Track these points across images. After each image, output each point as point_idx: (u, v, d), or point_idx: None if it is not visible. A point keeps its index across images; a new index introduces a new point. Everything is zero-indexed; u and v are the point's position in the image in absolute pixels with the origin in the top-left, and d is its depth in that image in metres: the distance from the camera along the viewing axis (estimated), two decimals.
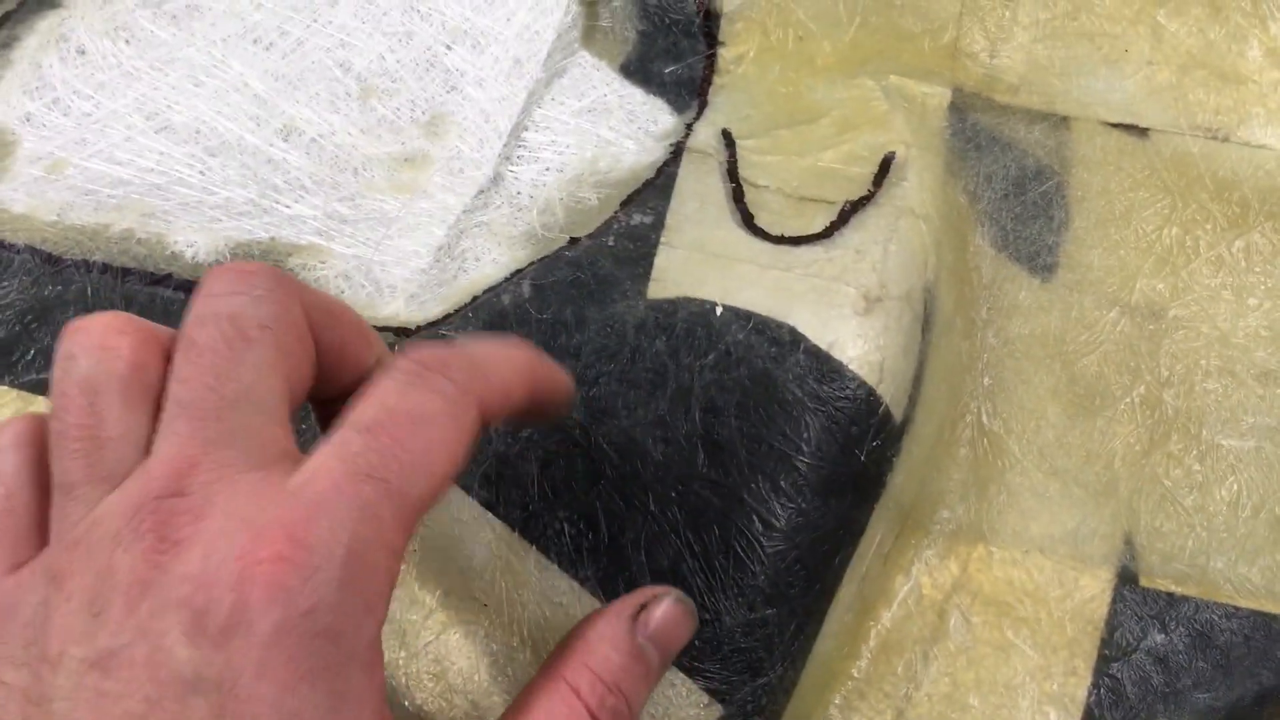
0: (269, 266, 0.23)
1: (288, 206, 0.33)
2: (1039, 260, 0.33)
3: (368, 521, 0.20)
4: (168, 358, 0.22)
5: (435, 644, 0.27)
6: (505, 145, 0.35)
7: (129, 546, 0.20)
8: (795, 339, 0.28)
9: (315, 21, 0.37)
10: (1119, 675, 0.29)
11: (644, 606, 0.25)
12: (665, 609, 0.25)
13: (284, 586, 0.19)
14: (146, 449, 0.21)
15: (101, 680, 0.20)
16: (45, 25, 0.37)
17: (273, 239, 0.32)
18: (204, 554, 0.20)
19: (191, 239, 0.32)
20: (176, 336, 0.22)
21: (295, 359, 0.22)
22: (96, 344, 0.22)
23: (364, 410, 0.21)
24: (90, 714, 0.20)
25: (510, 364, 0.24)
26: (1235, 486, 0.30)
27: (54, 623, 0.21)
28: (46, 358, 0.30)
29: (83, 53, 0.36)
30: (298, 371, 0.22)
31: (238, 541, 0.20)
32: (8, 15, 0.37)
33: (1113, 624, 0.29)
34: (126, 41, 0.37)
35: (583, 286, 0.30)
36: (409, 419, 0.21)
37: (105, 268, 0.31)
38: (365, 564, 0.20)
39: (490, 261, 0.32)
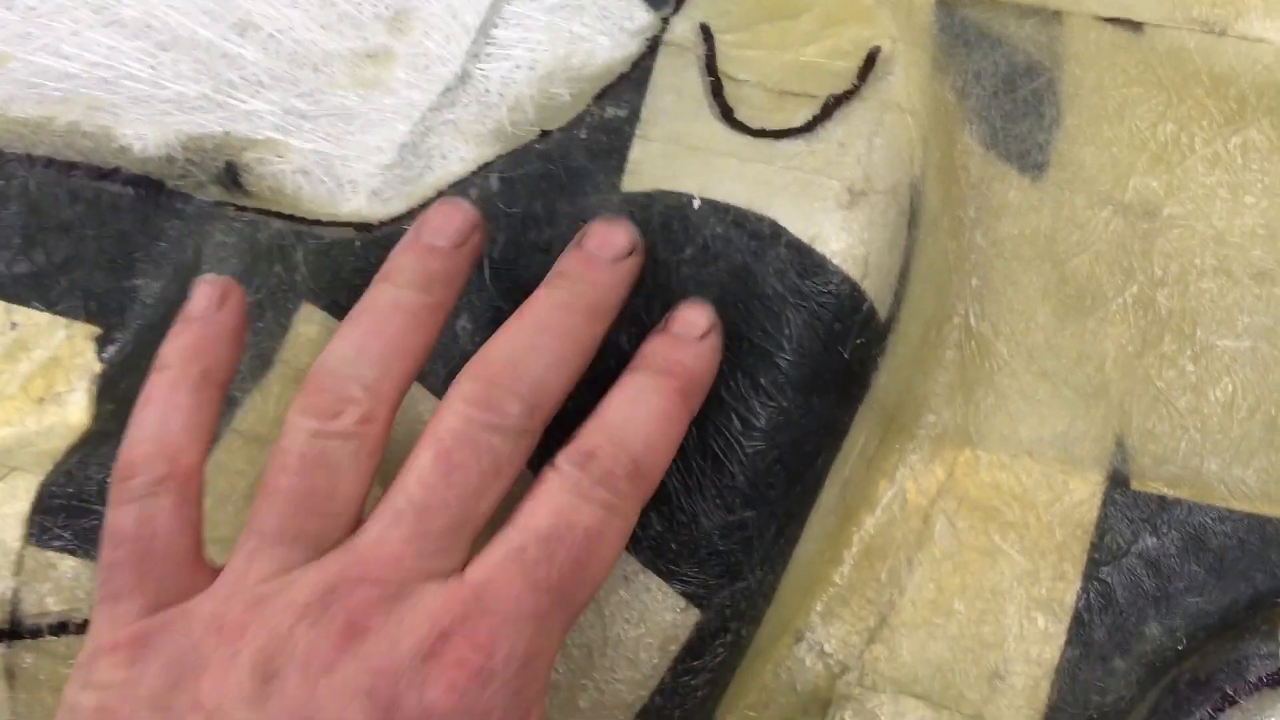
0: (530, 393, 0.23)
1: (243, 102, 0.31)
2: (1029, 158, 0.32)
3: (542, 634, 0.22)
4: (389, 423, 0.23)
5: None
6: (473, 42, 0.33)
7: (316, 621, 0.21)
8: (776, 232, 0.27)
9: None
10: (1109, 579, 0.28)
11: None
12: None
13: (466, 690, 0.21)
14: (353, 524, 0.22)
15: None
16: None
17: (227, 133, 0.31)
18: (391, 647, 0.21)
19: (141, 131, 0.30)
20: (423, 427, 0.23)
21: (509, 485, 0.23)
22: (330, 409, 0.23)
23: (541, 519, 0.22)
24: None
25: (666, 425, 0.24)
26: (1230, 387, 0.29)
27: (211, 673, 0.21)
28: None
29: None
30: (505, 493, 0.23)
31: (426, 640, 0.21)
32: None
33: (1103, 528, 0.28)
34: None
35: (553, 179, 0.28)
36: (585, 535, 0.22)
37: (50, 162, 0.29)
38: (535, 673, 0.22)
39: (458, 159, 0.31)
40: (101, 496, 0.26)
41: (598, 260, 0.26)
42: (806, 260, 0.27)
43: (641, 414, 0.24)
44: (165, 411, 0.23)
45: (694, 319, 0.26)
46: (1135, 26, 0.33)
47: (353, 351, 0.23)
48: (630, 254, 0.26)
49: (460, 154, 0.31)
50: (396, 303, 0.24)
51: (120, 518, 0.23)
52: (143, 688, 0.21)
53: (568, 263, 0.26)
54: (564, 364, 0.24)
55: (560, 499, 0.23)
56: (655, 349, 0.25)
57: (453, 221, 0.25)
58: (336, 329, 0.24)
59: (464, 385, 0.23)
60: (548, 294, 0.25)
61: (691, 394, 0.25)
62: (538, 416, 0.23)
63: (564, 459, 0.23)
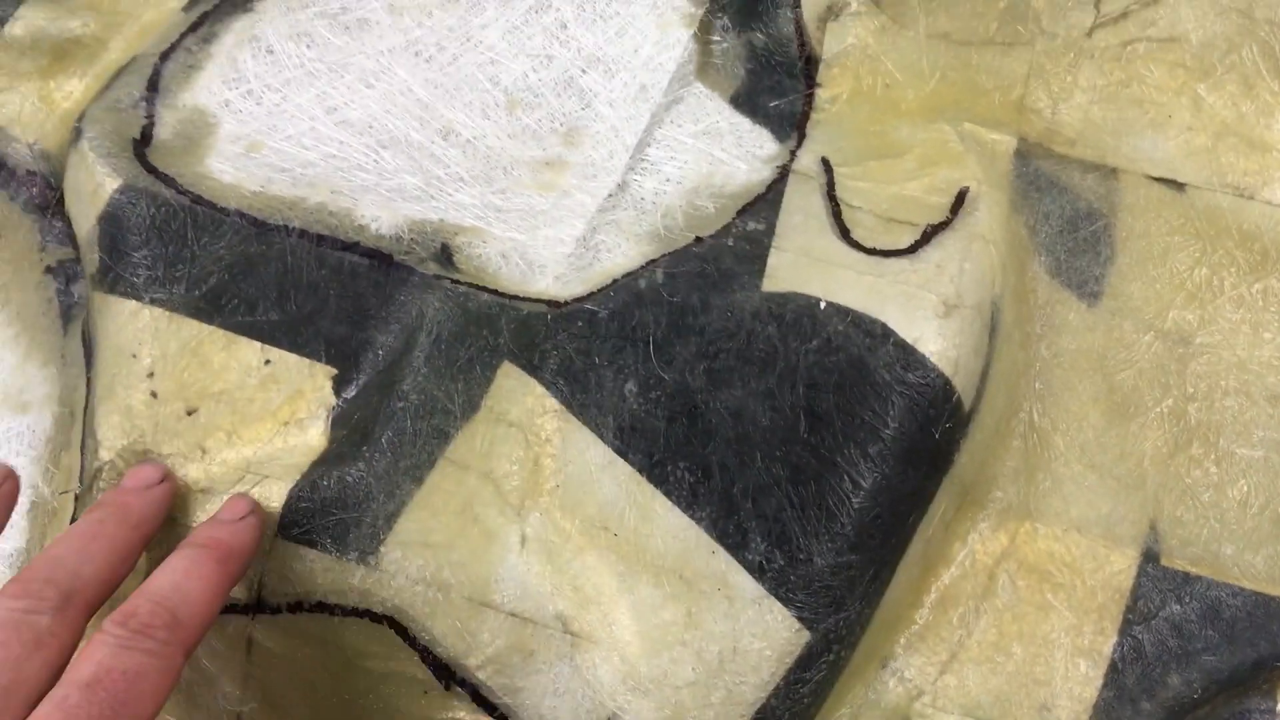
0: (63, 586, 0.28)
1: (451, 194, 0.39)
2: (1087, 288, 0.39)
3: None
4: None
5: (574, 562, 0.32)
6: (631, 158, 0.41)
7: None
8: (886, 333, 0.34)
9: (469, 40, 0.43)
10: (1140, 636, 0.34)
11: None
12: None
13: None
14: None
15: None
16: (239, 26, 0.42)
17: (442, 220, 0.38)
18: None
19: (375, 214, 0.37)
20: None
21: (65, 657, 0.27)
22: None
23: (83, 669, 0.26)
24: None
25: (204, 585, 0.29)
26: (1245, 488, 0.36)
27: None
28: (250, 304, 0.35)
29: (271, 52, 0.42)
30: (62, 663, 0.27)
31: None
32: (205, 14, 0.43)
33: (1136, 594, 0.35)
34: (308, 45, 0.42)
35: (708, 277, 0.35)
36: (123, 676, 0.26)
37: (303, 232, 0.36)
38: None
39: (621, 254, 0.38)
40: (337, 504, 0.33)
41: (130, 489, 0.32)
42: (910, 357, 0.34)
43: (180, 579, 0.29)
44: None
45: (236, 507, 0.32)
46: (1179, 186, 0.40)
47: None
48: (161, 482, 0.33)
49: (623, 250, 0.38)
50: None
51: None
52: None
53: (106, 496, 0.32)
54: (101, 559, 0.29)
55: (101, 652, 0.27)
56: (200, 530, 0.31)
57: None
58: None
59: (11, 583, 0.28)
60: (89, 514, 0.31)
61: (228, 561, 0.30)
62: (76, 598, 0.28)
63: (108, 622, 0.28)
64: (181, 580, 0.29)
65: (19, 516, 0.37)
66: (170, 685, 0.27)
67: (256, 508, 0.32)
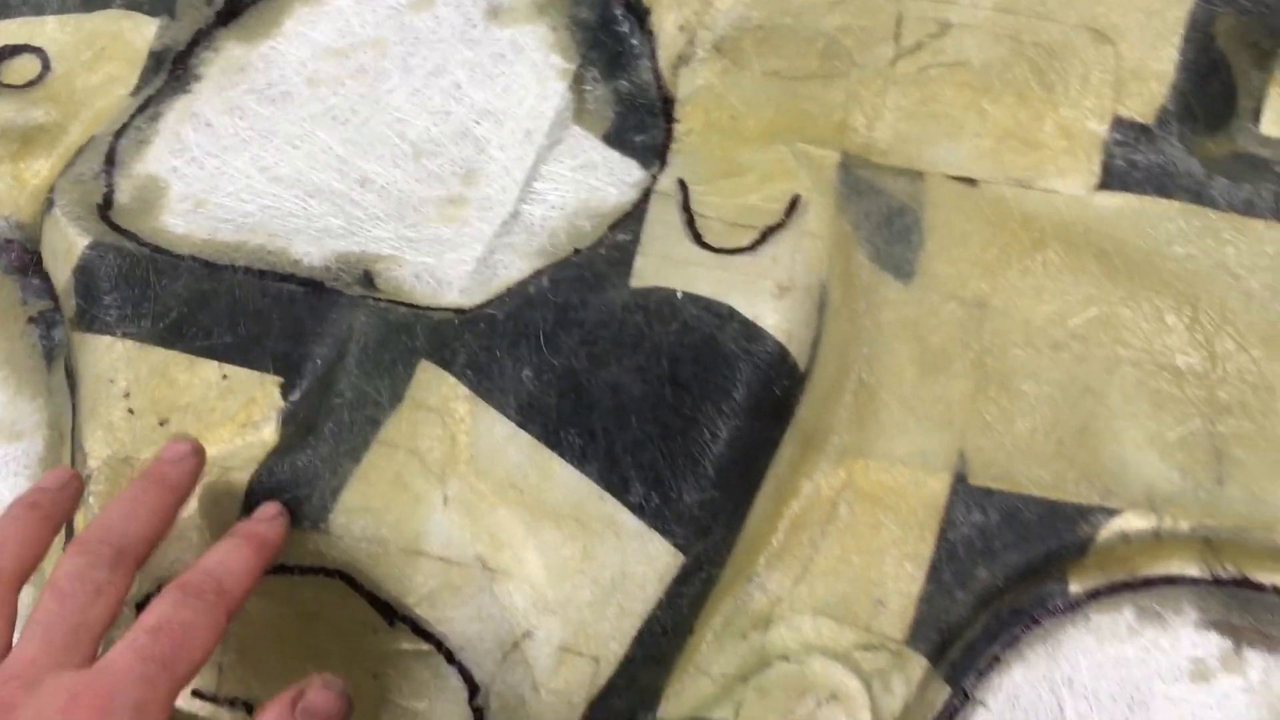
0: (115, 545, 0.34)
1: (369, 230, 0.46)
2: (902, 269, 0.47)
3: (151, 690, 0.31)
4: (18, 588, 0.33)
5: (488, 515, 0.40)
6: (521, 191, 0.48)
7: None
8: (732, 313, 0.42)
9: (378, 104, 0.51)
10: (953, 540, 0.42)
11: (300, 694, 0.33)
12: (314, 693, 0.33)
13: None
14: (4, 652, 0.32)
15: None
16: (180, 105, 0.50)
17: (363, 251, 0.45)
18: (36, 711, 0.30)
19: (307, 250, 0.45)
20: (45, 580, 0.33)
21: (120, 601, 0.34)
22: None
23: (148, 619, 0.32)
24: None
25: (244, 564, 0.35)
26: (1033, 419, 0.44)
27: None
28: (206, 331, 0.43)
29: (209, 125, 0.49)
30: (119, 607, 0.34)
31: (59, 703, 0.30)
32: (150, 97, 0.50)
33: (950, 509, 0.42)
34: (240, 117, 0.50)
35: (585, 280, 0.43)
36: (181, 625, 0.32)
37: (247, 269, 0.44)
38: (146, 715, 0.30)
39: (515, 269, 0.45)
40: (290, 485, 0.40)
41: (167, 460, 0.38)
42: (752, 332, 0.41)
43: (225, 557, 0.35)
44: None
45: (269, 509, 0.38)
46: (972, 182, 0.48)
47: None
48: (194, 454, 0.38)
49: (517, 266, 0.46)
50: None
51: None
52: None
53: (147, 468, 0.37)
54: (145, 521, 0.35)
55: (163, 607, 0.32)
56: (241, 525, 0.37)
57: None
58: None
59: (72, 545, 0.34)
60: (134, 483, 0.37)
61: (263, 549, 0.36)
62: (127, 554, 0.34)
63: (169, 587, 0.33)
64: (226, 559, 0.35)
65: None
66: (216, 638, 0.33)
67: (284, 511, 0.38)
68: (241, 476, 0.40)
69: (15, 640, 0.32)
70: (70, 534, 0.41)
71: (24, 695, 0.30)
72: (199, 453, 0.38)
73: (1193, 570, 0.42)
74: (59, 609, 0.32)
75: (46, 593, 0.32)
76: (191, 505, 0.40)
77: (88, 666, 0.31)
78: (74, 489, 0.37)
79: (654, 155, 0.49)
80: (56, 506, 0.36)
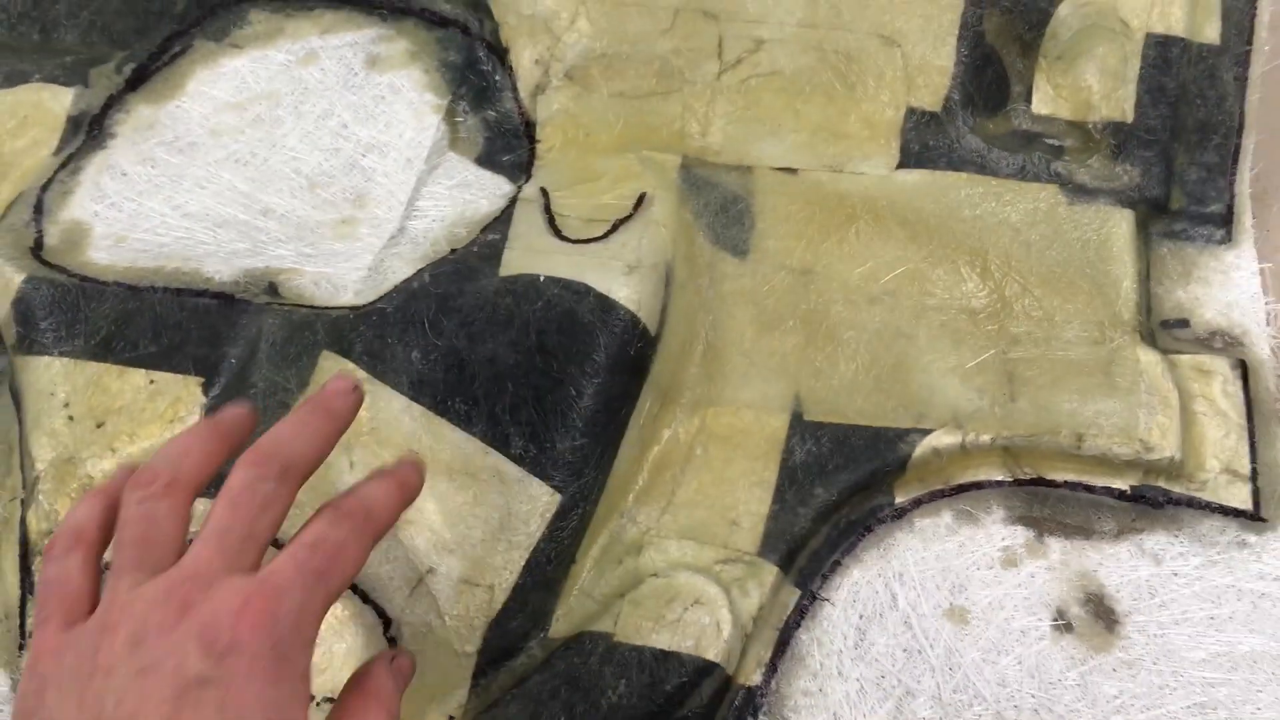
0: (283, 461, 0.35)
1: (272, 250, 0.53)
2: (738, 248, 0.54)
3: (309, 598, 0.33)
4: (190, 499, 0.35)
5: None
6: (405, 210, 0.56)
7: (162, 606, 0.32)
8: (588, 290, 0.49)
9: (275, 146, 0.58)
10: (793, 466, 0.49)
11: (394, 657, 0.38)
12: (401, 658, 0.39)
13: (261, 627, 0.31)
14: (179, 553, 0.34)
15: (142, 681, 0.30)
16: (98, 159, 0.56)
17: (267, 267, 0.52)
18: (212, 610, 0.31)
19: (217, 268, 0.51)
20: (218, 487, 0.35)
21: (284, 515, 0.35)
22: (157, 493, 0.34)
23: (306, 535, 0.34)
24: (136, 701, 0.30)
25: (387, 501, 0.37)
26: (855, 362, 0.51)
27: (102, 653, 0.31)
28: (133, 344, 0.49)
29: (125, 174, 0.56)
30: (283, 520, 0.36)
31: (234, 604, 0.32)
32: (70, 155, 0.57)
33: (789, 441, 0.49)
34: (151, 166, 0.56)
35: (460, 273, 0.50)
36: (334, 544, 0.34)
37: (165, 289, 0.50)
38: (305, 620, 0.33)
39: (402, 274, 0.52)
40: None
41: (331, 393, 0.39)
42: (606, 303, 0.49)
43: (375, 490, 0.37)
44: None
45: (410, 471, 0.39)
46: (793, 171, 0.56)
47: (164, 455, 0.36)
48: (354, 390, 0.39)
49: (404, 271, 0.53)
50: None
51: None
52: (59, 677, 0.32)
53: (312, 398, 0.39)
54: (309, 443, 0.37)
55: (320, 526, 0.35)
56: (391, 467, 0.39)
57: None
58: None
59: (243, 459, 0.35)
60: (299, 409, 0.38)
61: (407, 490, 0.38)
62: (291, 471, 0.35)
63: (324, 509, 0.35)
64: (376, 491, 0.37)
65: None
66: (362, 558, 0.35)
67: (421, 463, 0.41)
68: None
69: (191, 544, 0.34)
70: (26, 568, 0.47)
71: (200, 595, 0.32)
72: (359, 390, 0.39)
73: (997, 475, 0.50)
74: (231, 517, 0.34)
75: (220, 501, 0.34)
76: None
77: (255, 573, 0.33)
78: (252, 422, 0.38)
79: (520, 171, 0.57)
80: (235, 431, 0.37)
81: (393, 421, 0.47)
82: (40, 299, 0.50)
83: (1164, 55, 0.56)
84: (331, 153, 0.58)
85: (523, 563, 0.45)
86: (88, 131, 0.58)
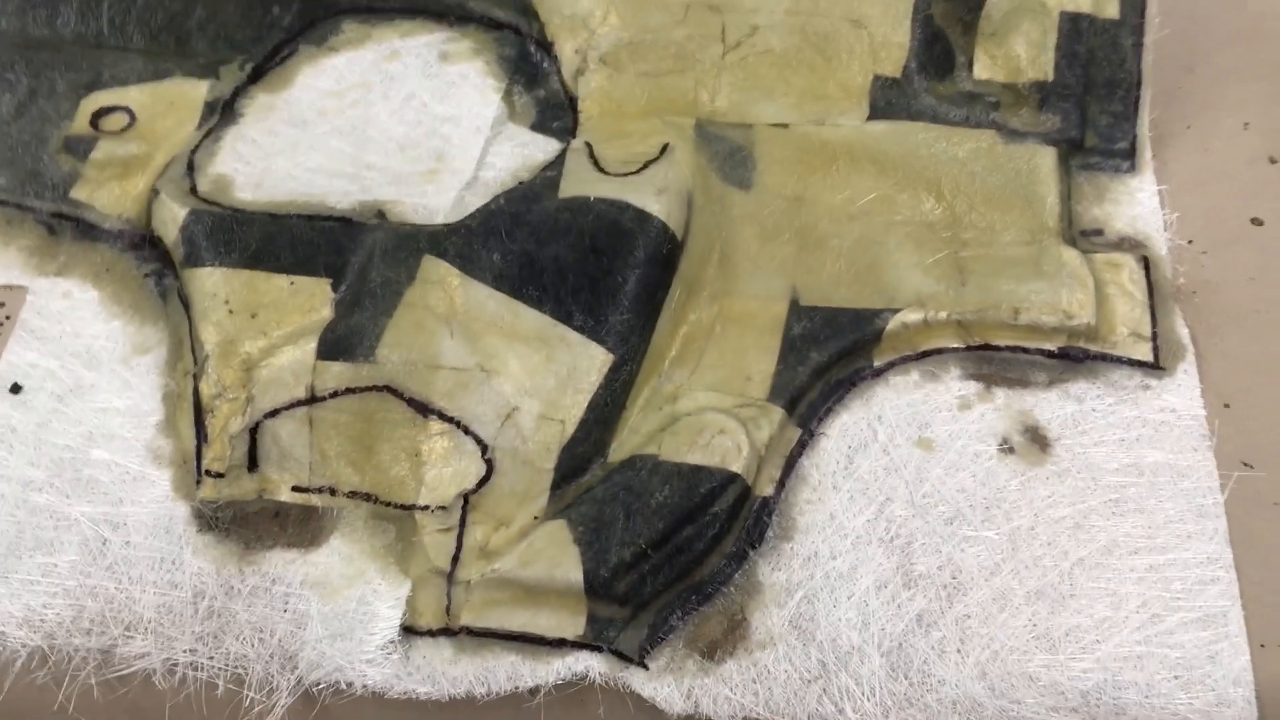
0: None
1: (378, 190, 0.67)
2: (743, 183, 0.68)
3: None
4: None
5: (481, 340, 0.60)
6: (477, 164, 0.70)
7: None
8: (627, 206, 0.63)
9: (370, 122, 0.72)
10: (793, 338, 0.62)
11: None
12: None
13: None
14: None
15: None
16: (232, 131, 0.71)
17: (375, 199, 0.66)
18: None
19: (337, 200, 0.66)
20: None
21: None
22: None
23: None
24: None
25: None
26: (838, 263, 0.65)
27: None
28: (275, 256, 0.63)
29: (255, 141, 0.71)
30: None
31: None
32: (211, 129, 0.71)
33: (788, 320, 0.63)
34: (275, 136, 0.71)
35: (529, 196, 0.64)
36: None
37: (298, 216, 0.64)
38: None
39: (479, 204, 0.67)
40: (346, 338, 0.59)
41: None
42: (643, 215, 0.62)
43: None
44: None
45: None
46: (785, 126, 0.71)
47: None
48: None
49: (478, 205, 0.67)
50: None
51: None
52: None
53: None
54: None
55: None
56: None
57: None
58: None
59: None
60: None
61: None
62: None
63: None
64: None
65: (155, 401, 0.62)
66: None
67: None
68: (312, 340, 0.60)
69: None
70: (200, 424, 0.60)
71: None
72: None
73: (953, 343, 0.63)
74: None
75: None
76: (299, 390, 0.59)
77: None
78: None
79: (568, 134, 0.72)
80: None
81: (481, 304, 0.61)
82: (202, 225, 0.64)
83: (1075, 28, 0.71)
84: (415, 125, 0.72)
85: (586, 403, 0.59)
86: (221, 112, 0.72)
